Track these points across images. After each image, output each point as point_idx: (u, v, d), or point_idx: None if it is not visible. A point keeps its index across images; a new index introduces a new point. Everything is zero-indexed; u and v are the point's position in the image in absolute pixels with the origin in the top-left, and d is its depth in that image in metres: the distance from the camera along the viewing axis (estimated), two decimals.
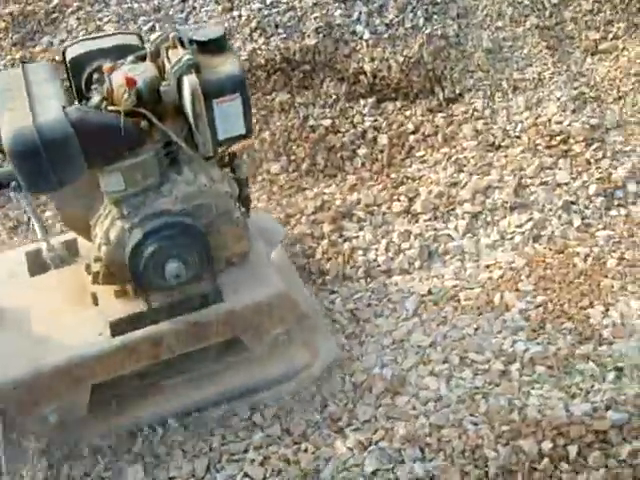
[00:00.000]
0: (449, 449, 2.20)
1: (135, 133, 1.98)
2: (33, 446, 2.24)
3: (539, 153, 3.25)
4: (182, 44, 2.02)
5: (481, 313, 2.65)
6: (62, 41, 3.52)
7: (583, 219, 2.98)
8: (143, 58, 2.07)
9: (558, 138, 3.27)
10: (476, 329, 2.59)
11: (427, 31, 3.61)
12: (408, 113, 3.48)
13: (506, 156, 3.25)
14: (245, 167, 2.29)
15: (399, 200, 3.11)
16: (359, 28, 3.63)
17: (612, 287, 2.71)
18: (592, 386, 2.35)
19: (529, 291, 2.70)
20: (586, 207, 3.02)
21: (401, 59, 3.56)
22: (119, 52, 2.09)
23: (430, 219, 3.05)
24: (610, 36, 3.79)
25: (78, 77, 2.13)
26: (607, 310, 2.63)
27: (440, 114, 3.47)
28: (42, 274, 2.41)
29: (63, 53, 2.17)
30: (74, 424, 2.26)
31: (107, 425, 2.31)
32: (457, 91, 3.58)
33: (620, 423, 2.19)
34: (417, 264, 2.90)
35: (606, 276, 2.76)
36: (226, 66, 1.99)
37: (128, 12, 3.66)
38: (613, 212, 3.01)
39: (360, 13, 3.64)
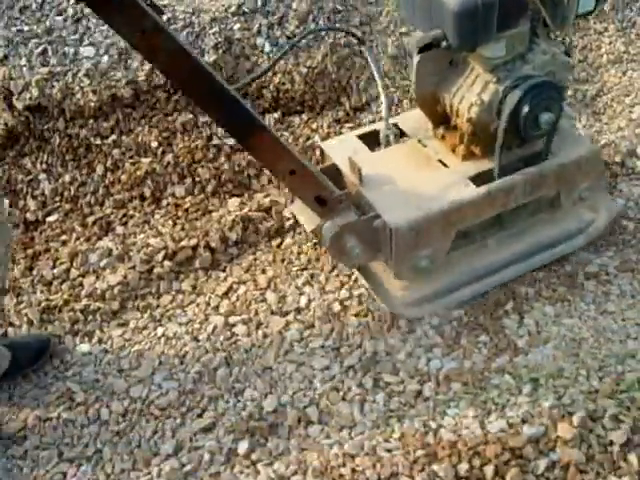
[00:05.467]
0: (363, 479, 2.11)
1: (525, 4, 2.34)
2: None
3: None
4: None
5: (389, 330, 2.59)
6: None
7: None
8: None
9: None
10: (388, 349, 2.52)
11: (330, 40, 3.52)
12: (315, 126, 3.39)
13: None
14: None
15: None
16: (260, 41, 3.51)
17: (527, 294, 2.68)
18: (508, 400, 2.29)
19: None
20: None
21: (305, 70, 3.46)
22: None
23: None
24: None
25: None
26: (522, 319, 2.59)
27: (347, 124, 3.39)
28: (380, 150, 2.73)
29: None
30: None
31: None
32: (364, 100, 3.51)
33: (536, 437, 2.13)
34: None
35: (521, 283, 2.72)
36: None
37: (17, 35, 3.48)
38: None
39: (260, 26, 3.53)
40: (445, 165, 2.61)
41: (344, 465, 2.17)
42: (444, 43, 2.31)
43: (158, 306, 2.79)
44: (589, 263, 2.79)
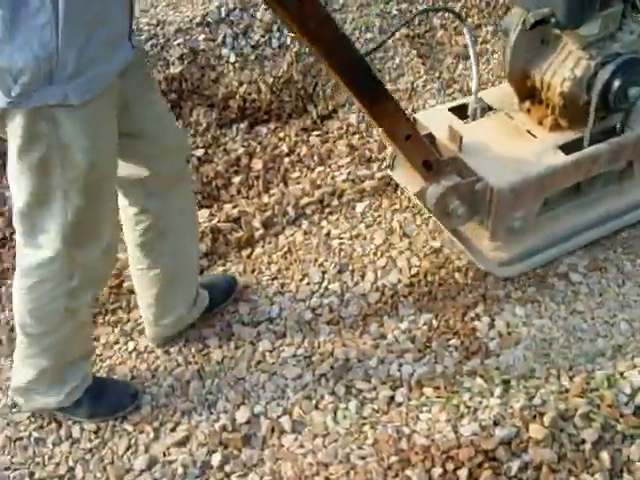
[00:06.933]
0: None
1: None
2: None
3: None
4: None
5: (360, 336, 2.59)
6: None
7: None
8: None
9: None
10: (360, 356, 2.52)
11: (295, 49, 3.53)
12: (282, 135, 3.39)
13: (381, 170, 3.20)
14: None
15: None
16: (225, 51, 3.52)
17: (497, 296, 2.69)
18: (480, 403, 2.30)
19: (410, 313, 2.65)
20: None
21: (270, 80, 3.47)
22: None
23: None
24: (480, 40, 3.80)
25: None
26: (493, 321, 2.60)
27: (314, 132, 3.40)
28: (470, 122, 2.84)
29: None
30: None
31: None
32: (330, 107, 3.52)
33: (508, 439, 2.15)
34: None
35: (489, 287, 2.73)
36: None
37: None
38: None
39: (225, 36, 3.53)
40: (533, 135, 2.77)
41: (318, 474, 2.17)
42: (553, 20, 2.47)
43: (129, 320, 2.76)
44: (559, 263, 2.81)
